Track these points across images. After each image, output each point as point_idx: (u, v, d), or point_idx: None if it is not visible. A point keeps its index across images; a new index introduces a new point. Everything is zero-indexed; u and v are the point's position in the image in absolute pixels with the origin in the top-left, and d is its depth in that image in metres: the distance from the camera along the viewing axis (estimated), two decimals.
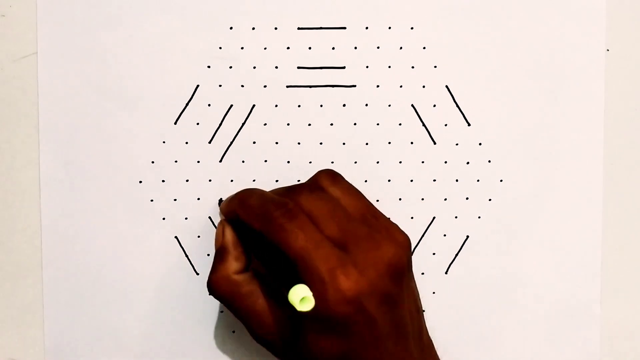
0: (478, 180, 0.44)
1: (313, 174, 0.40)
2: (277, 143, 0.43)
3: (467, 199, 0.44)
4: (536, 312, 0.44)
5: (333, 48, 0.43)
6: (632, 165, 0.44)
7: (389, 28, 0.43)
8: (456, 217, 0.44)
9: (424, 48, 0.43)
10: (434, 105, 0.43)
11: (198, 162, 0.43)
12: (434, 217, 0.44)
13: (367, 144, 0.43)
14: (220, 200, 0.42)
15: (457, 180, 0.44)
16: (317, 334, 0.36)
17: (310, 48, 0.43)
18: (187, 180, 0.43)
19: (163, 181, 0.43)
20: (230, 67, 0.43)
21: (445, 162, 0.44)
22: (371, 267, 0.36)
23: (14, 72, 0.43)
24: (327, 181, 0.39)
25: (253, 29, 0.43)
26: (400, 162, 0.44)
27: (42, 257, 0.43)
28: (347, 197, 0.39)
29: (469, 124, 0.43)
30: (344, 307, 0.35)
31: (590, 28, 0.43)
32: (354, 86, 0.43)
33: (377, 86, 0.43)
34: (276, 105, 0.43)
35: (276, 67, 0.43)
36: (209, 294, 0.39)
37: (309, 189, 0.39)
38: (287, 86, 0.43)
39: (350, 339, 0.35)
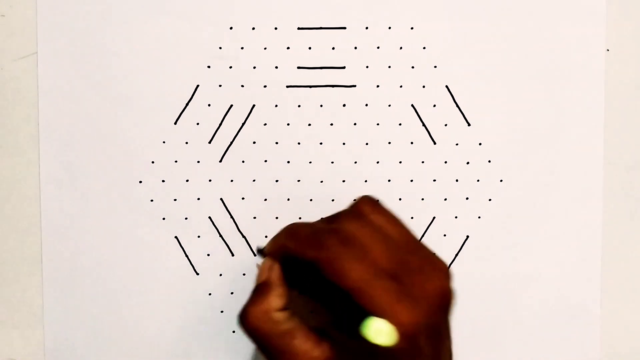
0: (478, 180, 0.44)
1: (353, 202, 0.39)
2: (277, 143, 0.43)
3: (467, 199, 0.44)
4: (536, 312, 0.44)
5: (333, 48, 0.43)
6: (632, 165, 0.44)
7: (389, 28, 0.43)
8: (456, 217, 0.44)
9: (424, 48, 0.43)
10: (434, 105, 0.43)
11: (198, 162, 0.43)
12: (434, 217, 0.44)
13: (367, 144, 0.43)
14: (259, 250, 0.41)
15: (457, 180, 0.44)
16: None
17: (310, 48, 0.43)
18: (187, 180, 0.43)
19: (163, 181, 0.43)
20: (230, 67, 0.43)
21: (445, 162, 0.44)
22: (424, 300, 0.35)
23: (14, 72, 0.43)
24: (368, 208, 0.38)
25: (253, 29, 0.43)
26: (400, 162, 0.44)
27: (42, 257, 0.43)
28: (391, 226, 0.38)
29: (469, 124, 0.43)
30: (402, 341, 0.34)
31: (590, 28, 0.43)
32: (354, 86, 0.43)
33: (377, 86, 0.43)
34: (276, 105, 0.43)
35: (276, 67, 0.43)
36: (240, 326, 0.37)
37: (354, 216, 0.37)
38: (287, 86, 0.43)
39: None
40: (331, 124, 0.43)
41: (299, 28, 0.43)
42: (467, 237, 0.44)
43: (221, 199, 0.43)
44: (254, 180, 0.43)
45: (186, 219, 0.43)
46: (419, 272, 0.36)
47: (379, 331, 0.33)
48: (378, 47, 0.43)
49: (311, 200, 0.44)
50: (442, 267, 0.37)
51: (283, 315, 0.37)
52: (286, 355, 0.36)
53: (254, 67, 0.43)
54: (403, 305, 0.34)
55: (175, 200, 0.43)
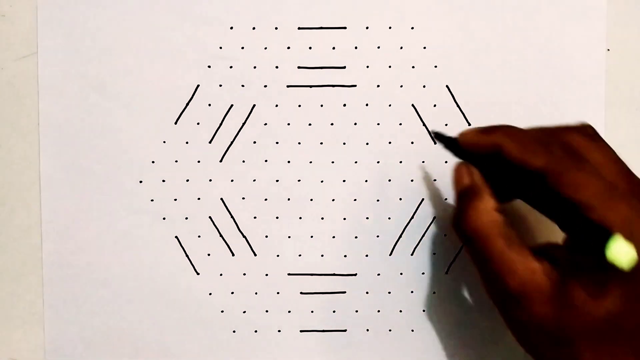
0: None
1: (567, 125, 0.36)
2: (277, 143, 0.43)
3: None
4: None
5: (333, 48, 0.43)
6: (632, 165, 0.44)
7: (389, 28, 0.43)
8: None
9: (424, 48, 0.43)
10: (434, 105, 0.43)
11: (198, 162, 0.43)
12: (434, 217, 0.44)
13: (367, 144, 0.43)
14: (437, 134, 0.38)
15: None
16: (598, 287, 0.32)
17: (310, 48, 0.43)
18: (187, 180, 0.43)
19: (163, 181, 0.43)
20: (231, 67, 0.43)
21: (446, 162, 0.44)
22: None
23: (14, 72, 0.43)
24: (590, 129, 0.36)
25: (253, 29, 0.43)
26: (401, 162, 0.44)
27: (42, 257, 0.43)
28: (612, 152, 0.35)
29: (469, 124, 0.43)
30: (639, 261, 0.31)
31: (590, 28, 0.43)
32: (354, 86, 0.43)
33: (377, 86, 0.43)
34: (276, 105, 0.43)
35: (276, 67, 0.43)
36: (458, 230, 0.35)
37: (579, 133, 0.35)
38: (287, 86, 0.43)
39: (627, 300, 0.31)
40: (331, 124, 0.43)
41: (299, 28, 0.43)
42: None
43: (221, 199, 0.43)
44: (254, 180, 0.43)
45: (186, 218, 0.43)
46: None
47: (619, 252, 0.30)
48: (378, 47, 0.43)
49: (311, 200, 0.44)
50: None
51: (502, 218, 0.34)
52: (505, 260, 0.33)
53: (254, 67, 0.43)
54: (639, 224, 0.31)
55: (175, 200, 0.43)
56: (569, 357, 0.33)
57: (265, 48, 0.43)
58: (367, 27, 0.43)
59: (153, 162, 0.43)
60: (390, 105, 0.43)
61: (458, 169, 0.37)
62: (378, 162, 0.44)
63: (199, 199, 0.43)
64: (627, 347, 0.32)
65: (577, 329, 0.32)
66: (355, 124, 0.43)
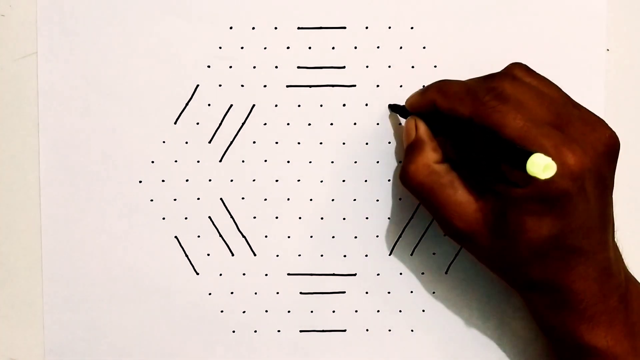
0: None
1: (504, 67, 0.39)
2: (277, 143, 0.43)
3: None
4: None
5: (333, 48, 0.43)
6: (632, 165, 0.44)
7: (389, 28, 0.43)
8: None
9: (424, 48, 0.43)
10: None
11: (198, 162, 0.43)
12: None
13: (367, 144, 0.43)
14: (392, 106, 0.42)
15: None
16: (530, 215, 0.35)
17: (310, 48, 0.43)
18: (187, 180, 0.43)
19: (163, 181, 0.43)
20: (230, 67, 0.43)
21: None
22: (590, 147, 0.35)
23: (14, 72, 0.43)
24: (521, 72, 0.38)
25: (253, 29, 0.43)
26: (400, 162, 0.44)
27: (42, 257, 0.43)
28: (546, 87, 0.38)
29: None
30: (568, 182, 0.34)
31: (590, 28, 0.43)
32: (354, 86, 0.43)
33: (377, 86, 0.43)
34: (276, 105, 0.43)
35: (276, 67, 0.43)
36: (404, 185, 0.39)
37: (507, 77, 0.38)
38: (287, 86, 0.43)
39: (565, 219, 0.35)
40: (331, 124, 0.43)
41: (299, 28, 0.43)
42: None
43: (221, 199, 0.43)
44: (254, 180, 0.43)
45: (186, 219, 0.43)
46: (581, 122, 0.36)
47: (541, 165, 0.32)
48: (378, 47, 0.43)
49: (311, 200, 0.44)
50: (602, 120, 0.37)
51: (443, 167, 0.38)
52: (451, 206, 0.38)
53: (254, 67, 0.43)
54: (569, 148, 0.34)
55: (175, 200, 0.43)
56: (524, 276, 0.37)
57: (265, 48, 0.43)
58: (366, 27, 0.43)
59: (152, 162, 0.43)
60: (390, 105, 0.43)
61: (407, 123, 0.40)
62: (377, 162, 0.43)
63: (198, 199, 0.43)
64: (568, 260, 0.36)
65: (523, 252, 0.36)
66: (355, 124, 0.43)
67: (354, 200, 0.44)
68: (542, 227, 0.35)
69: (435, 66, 0.43)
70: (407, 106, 0.41)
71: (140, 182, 0.43)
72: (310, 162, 0.43)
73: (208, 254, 0.44)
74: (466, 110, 0.36)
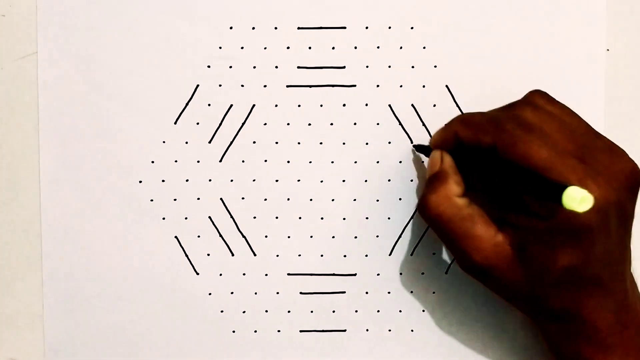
0: None
1: (524, 95, 0.39)
2: (277, 143, 0.43)
3: None
4: None
5: (333, 48, 0.43)
6: None
7: (389, 28, 0.43)
8: None
9: (424, 48, 0.43)
10: (434, 105, 0.43)
11: (198, 162, 0.43)
12: None
13: (367, 144, 0.43)
14: (417, 146, 0.42)
15: None
16: (551, 247, 0.35)
17: (310, 48, 0.43)
18: (187, 180, 0.43)
19: (163, 181, 0.43)
20: (230, 67, 0.43)
21: None
22: (613, 179, 0.35)
23: (14, 72, 0.43)
24: (542, 100, 0.38)
25: (253, 29, 0.43)
26: (400, 162, 0.44)
27: (42, 257, 0.43)
28: (567, 116, 0.38)
29: None
30: (592, 215, 0.34)
31: (590, 28, 0.43)
32: (354, 86, 0.43)
33: (377, 86, 0.43)
34: (276, 105, 0.43)
35: (276, 67, 0.43)
36: (422, 215, 0.38)
37: (529, 105, 0.38)
38: (287, 86, 0.43)
39: (586, 250, 0.35)
40: (331, 124, 0.43)
41: (299, 28, 0.43)
42: None
43: (221, 199, 0.43)
44: (254, 180, 0.43)
45: (186, 218, 0.43)
46: (604, 154, 0.36)
47: (577, 199, 0.32)
48: (378, 47, 0.43)
49: (311, 200, 0.44)
50: (624, 152, 0.37)
51: (463, 201, 0.38)
52: (469, 240, 0.37)
53: (254, 67, 0.43)
54: (593, 181, 0.34)
55: (175, 200, 0.43)
56: (541, 307, 0.37)
57: (265, 48, 0.43)
58: (366, 27, 0.43)
59: (153, 162, 0.43)
60: (390, 105, 0.43)
61: (432, 154, 0.40)
62: (378, 162, 0.43)
63: (198, 199, 0.43)
64: (587, 290, 0.36)
65: (542, 283, 0.36)
66: (355, 124, 0.43)
67: (354, 200, 0.44)
68: (563, 258, 0.35)
69: (435, 66, 0.43)
70: (431, 144, 0.41)
71: (140, 182, 0.43)
72: (310, 162, 0.43)
73: (208, 254, 0.44)
74: (489, 139, 0.36)
